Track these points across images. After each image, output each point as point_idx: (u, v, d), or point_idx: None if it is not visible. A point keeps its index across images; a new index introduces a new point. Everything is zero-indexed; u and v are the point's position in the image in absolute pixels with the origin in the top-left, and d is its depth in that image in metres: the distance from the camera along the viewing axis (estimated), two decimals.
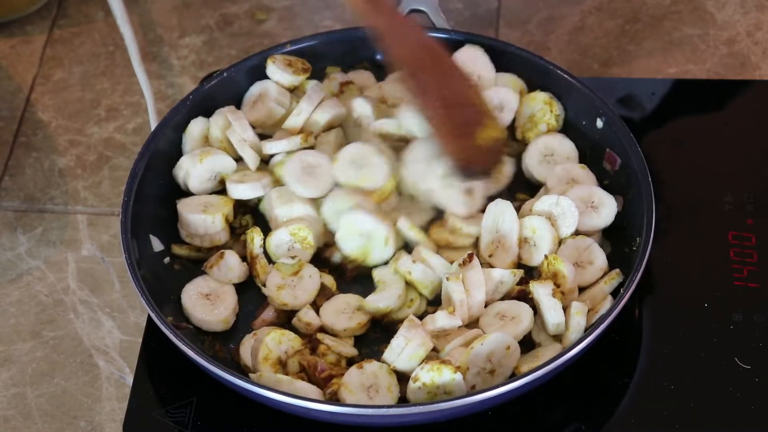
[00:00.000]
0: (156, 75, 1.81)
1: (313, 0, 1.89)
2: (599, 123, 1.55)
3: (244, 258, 1.52)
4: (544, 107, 1.58)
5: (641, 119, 1.67)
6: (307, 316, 1.46)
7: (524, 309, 1.42)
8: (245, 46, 1.83)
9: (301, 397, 1.33)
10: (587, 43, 1.81)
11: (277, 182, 1.55)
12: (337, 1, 1.88)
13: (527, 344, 1.42)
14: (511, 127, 1.59)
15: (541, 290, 1.41)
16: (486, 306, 1.43)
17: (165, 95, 1.78)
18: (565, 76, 1.58)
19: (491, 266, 1.47)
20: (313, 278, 1.48)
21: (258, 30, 1.86)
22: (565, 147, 1.56)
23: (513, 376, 1.36)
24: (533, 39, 1.81)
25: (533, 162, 1.56)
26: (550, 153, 1.56)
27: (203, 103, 1.59)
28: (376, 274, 1.49)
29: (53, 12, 1.90)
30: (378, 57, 1.64)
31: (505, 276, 1.44)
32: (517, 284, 1.45)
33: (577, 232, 1.48)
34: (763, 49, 1.78)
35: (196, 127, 1.57)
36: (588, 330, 1.37)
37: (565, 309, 1.41)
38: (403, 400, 1.37)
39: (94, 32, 1.87)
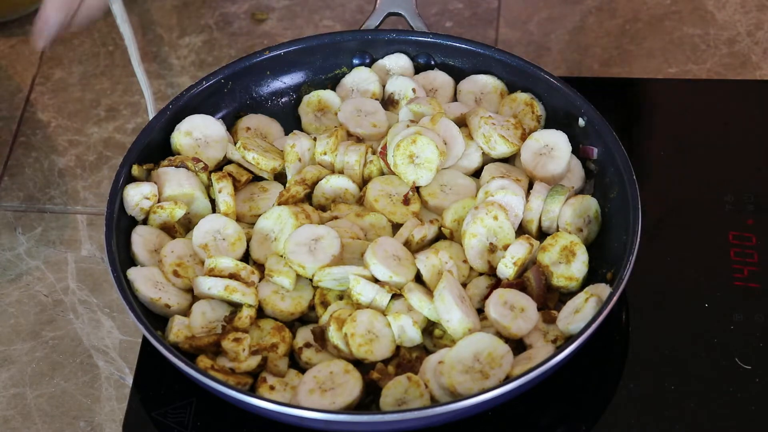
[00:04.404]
0: (156, 75, 1.81)
1: (313, 0, 1.89)
2: (581, 122, 1.54)
3: None
4: (525, 108, 1.58)
5: (641, 119, 1.67)
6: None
7: (527, 301, 1.42)
8: (245, 46, 1.83)
9: (295, 405, 1.33)
10: (587, 43, 1.81)
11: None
12: (337, 0, 1.88)
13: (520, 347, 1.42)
14: None
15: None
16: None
17: (165, 95, 1.78)
18: (544, 75, 1.57)
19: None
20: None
21: (258, 30, 1.86)
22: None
23: (507, 378, 1.35)
24: (533, 39, 1.81)
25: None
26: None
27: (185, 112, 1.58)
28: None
29: None
30: (355, 62, 1.64)
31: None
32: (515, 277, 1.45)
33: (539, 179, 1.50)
34: (763, 49, 1.78)
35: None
36: (571, 337, 1.35)
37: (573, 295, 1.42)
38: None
39: (94, 32, 1.87)
